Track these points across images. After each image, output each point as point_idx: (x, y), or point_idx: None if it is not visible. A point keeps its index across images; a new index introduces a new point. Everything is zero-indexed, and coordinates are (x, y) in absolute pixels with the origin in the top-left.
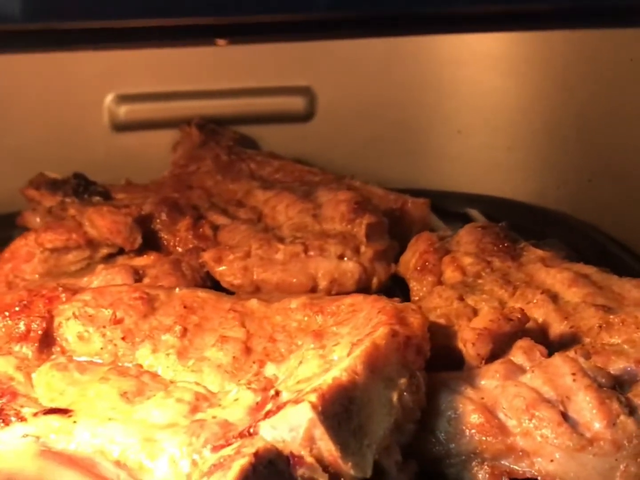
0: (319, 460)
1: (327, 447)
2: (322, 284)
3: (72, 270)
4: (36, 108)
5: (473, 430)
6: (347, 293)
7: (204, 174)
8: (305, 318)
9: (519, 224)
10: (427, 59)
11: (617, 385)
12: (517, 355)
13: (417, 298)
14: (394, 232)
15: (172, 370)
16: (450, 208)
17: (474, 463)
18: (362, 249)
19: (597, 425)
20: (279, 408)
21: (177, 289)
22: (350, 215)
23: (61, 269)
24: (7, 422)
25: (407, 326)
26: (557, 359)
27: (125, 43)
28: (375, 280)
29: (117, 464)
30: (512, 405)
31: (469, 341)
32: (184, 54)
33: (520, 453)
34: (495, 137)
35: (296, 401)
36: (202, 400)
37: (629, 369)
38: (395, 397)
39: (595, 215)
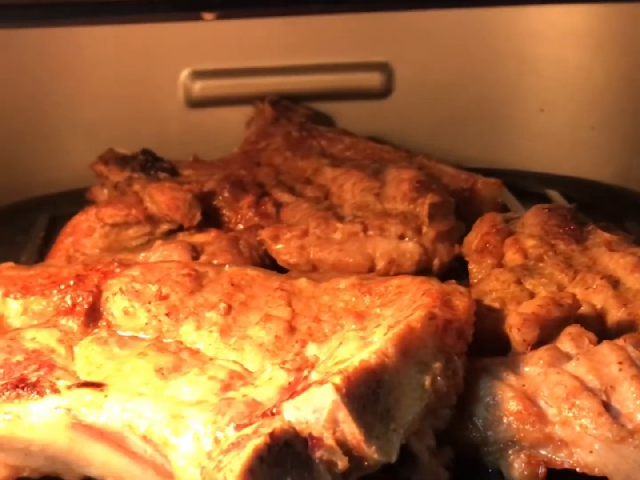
0: (342, 443)
1: (350, 430)
2: (380, 264)
3: (132, 245)
4: (111, 83)
5: (511, 418)
6: (406, 274)
7: (273, 151)
8: (353, 299)
9: (600, 206)
10: (509, 32)
11: None
12: (565, 342)
13: (475, 280)
14: (464, 212)
15: (214, 348)
16: (529, 189)
17: (510, 451)
18: (424, 229)
19: None
20: (304, 389)
21: (226, 267)
22: (413, 194)
23: (122, 244)
24: (41, 394)
25: (452, 309)
26: (605, 347)
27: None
28: (436, 262)
29: (144, 438)
30: (552, 394)
31: (514, 326)
32: (259, 29)
33: (559, 443)
34: (579, 115)
35: (321, 382)
36: (236, 378)
37: None
38: (428, 381)
39: None
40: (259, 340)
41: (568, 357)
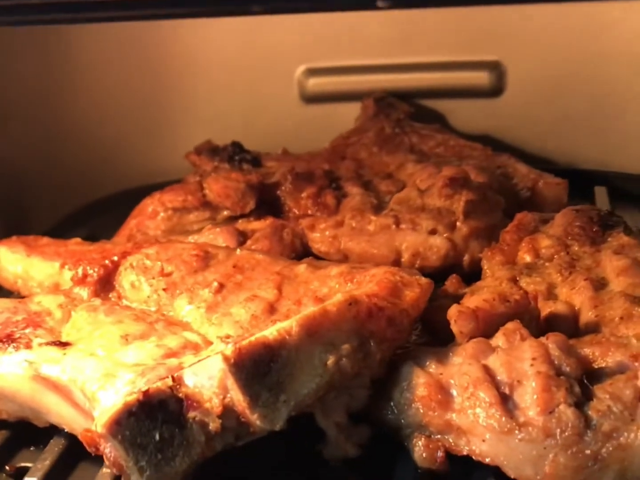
0: (231, 408)
1: (237, 397)
2: (405, 256)
3: (194, 229)
4: (230, 78)
5: (418, 403)
6: (434, 268)
7: (360, 146)
8: (337, 285)
9: None
10: (623, 29)
11: (590, 377)
12: (498, 336)
13: (484, 277)
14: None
15: (199, 322)
16: (631, 191)
17: (416, 434)
18: (458, 225)
19: (533, 411)
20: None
21: (238, 250)
22: (448, 191)
23: (184, 227)
24: (17, 348)
25: (397, 298)
26: (526, 343)
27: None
28: (467, 258)
29: (82, 392)
30: (459, 383)
31: (452, 318)
32: (371, 26)
33: (458, 430)
34: None
35: (217, 353)
36: (189, 348)
37: (622, 362)
38: (331, 361)
39: None
40: (237, 318)
41: (494, 351)
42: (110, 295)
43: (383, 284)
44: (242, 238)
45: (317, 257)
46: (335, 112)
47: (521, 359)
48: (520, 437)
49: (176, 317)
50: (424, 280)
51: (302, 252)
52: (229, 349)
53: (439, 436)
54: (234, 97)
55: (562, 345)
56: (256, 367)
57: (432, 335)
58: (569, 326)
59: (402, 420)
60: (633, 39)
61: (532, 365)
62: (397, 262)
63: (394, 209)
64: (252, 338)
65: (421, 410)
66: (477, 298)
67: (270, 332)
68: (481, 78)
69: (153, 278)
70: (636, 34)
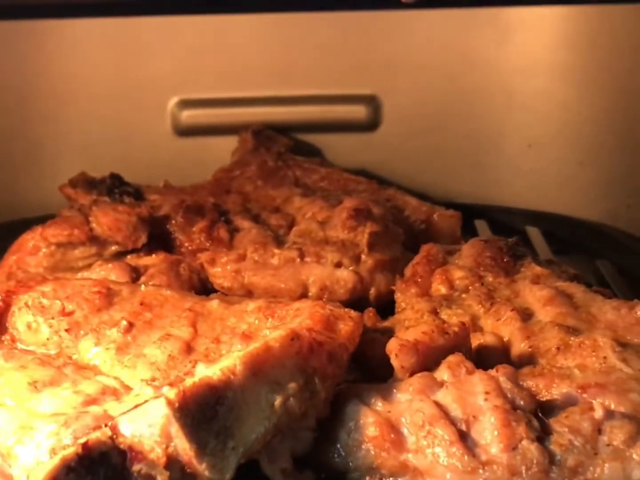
0: (175, 458)
1: (182, 445)
2: (312, 290)
3: (79, 266)
4: (101, 109)
5: (369, 444)
6: (341, 302)
7: (244, 179)
8: (256, 321)
9: (577, 243)
10: (497, 66)
11: (541, 410)
12: (442, 370)
13: (399, 310)
14: (421, 244)
15: (109, 365)
16: (512, 225)
17: (367, 478)
18: (363, 258)
19: (495, 448)
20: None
21: (142, 287)
22: (352, 222)
23: (68, 264)
24: None
25: (332, 332)
26: (476, 376)
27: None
28: (373, 291)
29: None
30: (412, 421)
31: (392, 352)
32: (248, 59)
33: (414, 471)
34: (567, 151)
35: (158, 397)
36: (108, 394)
37: (568, 394)
38: (278, 401)
39: None
40: (152, 359)
41: (440, 386)
42: (2, 339)
43: (317, 317)
44: (135, 274)
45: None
46: (210, 145)
47: (473, 393)
48: (485, 477)
49: (82, 360)
50: (354, 313)
51: (199, 287)
52: (171, 392)
53: (391, 479)
54: (106, 129)
55: (512, 378)
56: (202, 412)
57: (363, 371)
58: (499, 358)
59: (351, 463)
60: (507, 75)
61: (486, 399)
62: (304, 296)
63: (296, 242)
64: (196, 379)
65: (372, 452)
66: (414, 331)
67: (214, 372)
68: (358, 112)
69: (53, 318)
70: (510, 70)
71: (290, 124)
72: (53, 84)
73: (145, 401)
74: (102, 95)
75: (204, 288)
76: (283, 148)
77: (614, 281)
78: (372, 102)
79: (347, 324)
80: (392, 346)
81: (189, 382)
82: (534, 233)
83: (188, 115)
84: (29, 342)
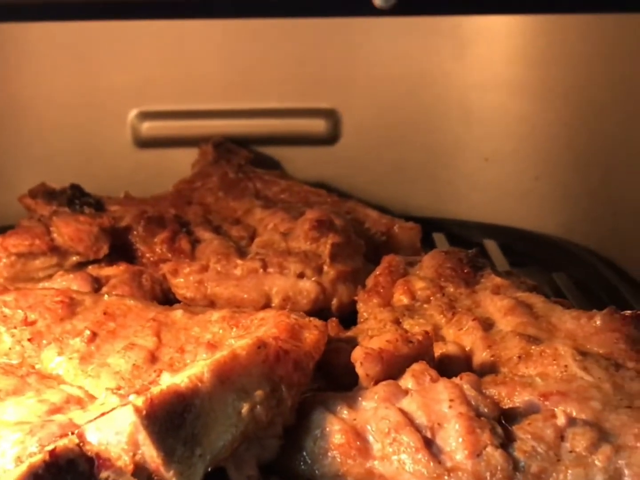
0: (142, 466)
1: (149, 452)
2: (275, 301)
3: (40, 276)
4: (60, 120)
5: (335, 452)
6: (304, 312)
7: (205, 191)
8: (221, 331)
9: (535, 256)
10: (454, 81)
11: (504, 417)
12: (407, 378)
13: (361, 320)
14: (382, 256)
15: (72, 374)
16: (469, 238)
17: None
18: (325, 269)
19: (460, 455)
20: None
21: (105, 296)
22: (314, 233)
23: (29, 275)
24: None
25: (298, 341)
26: (440, 384)
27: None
28: (335, 302)
29: None
30: (378, 428)
31: (357, 360)
32: (208, 71)
33: (380, 478)
34: (523, 166)
35: (125, 404)
36: (72, 403)
37: (530, 401)
38: (245, 409)
39: (618, 250)
40: (117, 369)
41: (405, 393)
42: None
43: (282, 326)
44: (97, 284)
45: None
46: (170, 157)
47: (438, 401)
48: None
49: (45, 369)
50: (318, 322)
51: (162, 298)
52: (139, 400)
53: None
54: (65, 139)
55: (475, 386)
56: (170, 419)
57: (327, 380)
58: (461, 367)
59: (317, 471)
60: (464, 91)
61: (450, 407)
62: (267, 307)
63: (259, 252)
64: (163, 387)
65: (338, 459)
66: (379, 339)
67: (181, 379)
68: (317, 125)
69: (15, 328)
70: (467, 86)
71: (249, 137)
72: (11, 93)
73: (112, 409)
74: (61, 106)
75: (166, 299)
76: (243, 160)
77: (570, 293)
78: (331, 115)
79: (312, 333)
80: (357, 354)
81: (156, 389)
82: (491, 246)
83: (148, 127)
84: None
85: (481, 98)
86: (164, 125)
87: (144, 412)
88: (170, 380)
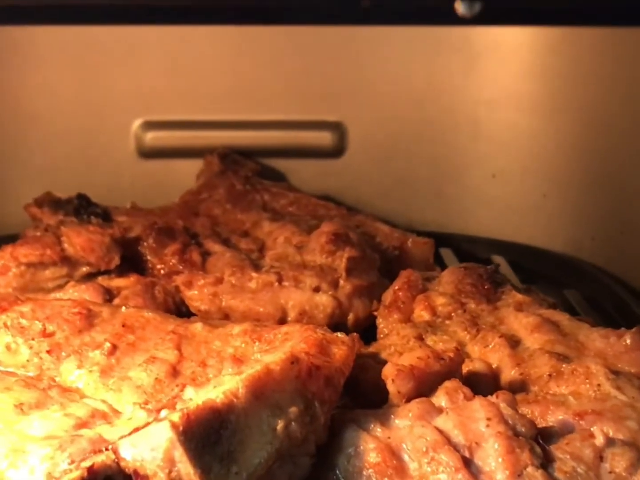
0: None
1: (186, 470)
2: (291, 315)
3: (49, 287)
4: (64, 130)
5: (370, 470)
6: None
7: (213, 202)
8: (243, 345)
9: (543, 274)
10: (463, 96)
11: (541, 436)
12: (440, 395)
13: (381, 336)
14: (394, 270)
15: (93, 388)
16: (476, 254)
17: None
18: (341, 283)
19: (500, 475)
20: (145, 426)
21: (123, 308)
22: (330, 247)
23: (38, 285)
24: None
25: (327, 356)
26: (476, 402)
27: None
28: (351, 317)
29: None
30: (415, 447)
31: (389, 377)
32: (214, 82)
33: None
34: (531, 182)
35: (161, 420)
36: (98, 417)
37: (565, 420)
38: (280, 425)
39: (627, 268)
40: (138, 382)
41: (439, 411)
42: None
43: (311, 340)
44: (108, 296)
45: (189, 316)
46: (174, 167)
47: (474, 420)
48: None
49: (64, 382)
50: (346, 337)
51: (174, 310)
52: (175, 416)
53: None
54: (67, 149)
55: (511, 404)
56: (206, 435)
57: (352, 397)
58: (488, 385)
59: None
60: (473, 105)
61: (488, 426)
62: (283, 321)
63: (274, 265)
64: (199, 402)
65: (374, 478)
66: (409, 356)
67: (217, 395)
68: (323, 138)
69: (33, 339)
70: (476, 101)
71: (254, 148)
72: (14, 102)
73: (146, 424)
74: (64, 114)
75: (178, 311)
76: (250, 172)
77: (584, 311)
78: (337, 128)
79: (341, 348)
80: (388, 371)
81: (192, 405)
82: (499, 262)
83: (152, 137)
84: (8, 363)
85: (490, 113)
86: (168, 135)
87: (181, 428)
88: (205, 396)
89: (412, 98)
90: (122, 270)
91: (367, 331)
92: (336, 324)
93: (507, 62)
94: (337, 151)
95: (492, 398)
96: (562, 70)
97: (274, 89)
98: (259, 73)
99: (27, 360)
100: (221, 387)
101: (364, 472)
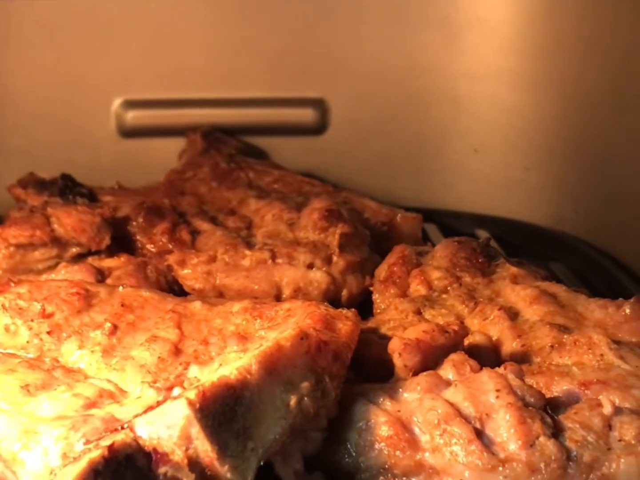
0: (195, 460)
1: (203, 447)
2: (286, 292)
3: (39, 268)
4: (43, 109)
5: (382, 444)
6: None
7: (198, 181)
8: (244, 322)
9: (528, 247)
10: (444, 71)
11: (548, 407)
12: (447, 368)
13: (378, 311)
14: (384, 247)
15: (95, 368)
16: (460, 229)
17: (382, 478)
18: (334, 259)
19: (513, 445)
20: (159, 404)
21: (120, 287)
22: (323, 223)
23: (28, 266)
24: None
25: (333, 332)
26: (484, 374)
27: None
28: (345, 292)
29: None
30: (426, 420)
31: (396, 351)
32: (195, 60)
33: (430, 470)
34: (513, 156)
35: (177, 398)
36: (106, 397)
37: (570, 390)
38: (293, 401)
39: (610, 240)
40: (142, 362)
41: (448, 384)
42: None
43: (315, 316)
44: (100, 276)
45: (182, 294)
46: (155, 146)
47: (484, 391)
48: (505, 474)
49: (66, 363)
50: (349, 312)
51: (167, 289)
52: (191, 393)
53: (404, 479)
54: (46, 129)
55: (519, 375)
56: (222, 412)
57: (355, 371)
58: (489, 357)
59: (362, 464)
60: (454, 81)
61: (497, 397)
62: (278, 298)
63: (266, 243)
64: (214, 379)
65: (386, 452)
66: (414, 330)
67: (230, 371)
68: (306, 115)
69: (32, 320)
70: (457, 77)
71: (236, 126)
72: None
73: (159, 403)
74: (42, 94)
75: (171, 290)
76: (234, 150)
77: (571, 282)
78: (319, 105)
79: (346, 324)
80: (395, 345)
81: (207, 382)
82: (483, 236)
83: (133, 116)
84: (7, 345)
85: (471, 88)
86: (149, 114)
87: (198, 405)
88: (213, 373)
89: (394, 74)
90: (111, 251)
91: (361, 306)
92: (330, 300)
93: (488, 37)
94: (319, 128)
95: (500, 369)
96: (543, 43)
97: (255, 66)
98: (240, 50)
99: (27, 342)
100: (234, 363)
101: (376, 446)
